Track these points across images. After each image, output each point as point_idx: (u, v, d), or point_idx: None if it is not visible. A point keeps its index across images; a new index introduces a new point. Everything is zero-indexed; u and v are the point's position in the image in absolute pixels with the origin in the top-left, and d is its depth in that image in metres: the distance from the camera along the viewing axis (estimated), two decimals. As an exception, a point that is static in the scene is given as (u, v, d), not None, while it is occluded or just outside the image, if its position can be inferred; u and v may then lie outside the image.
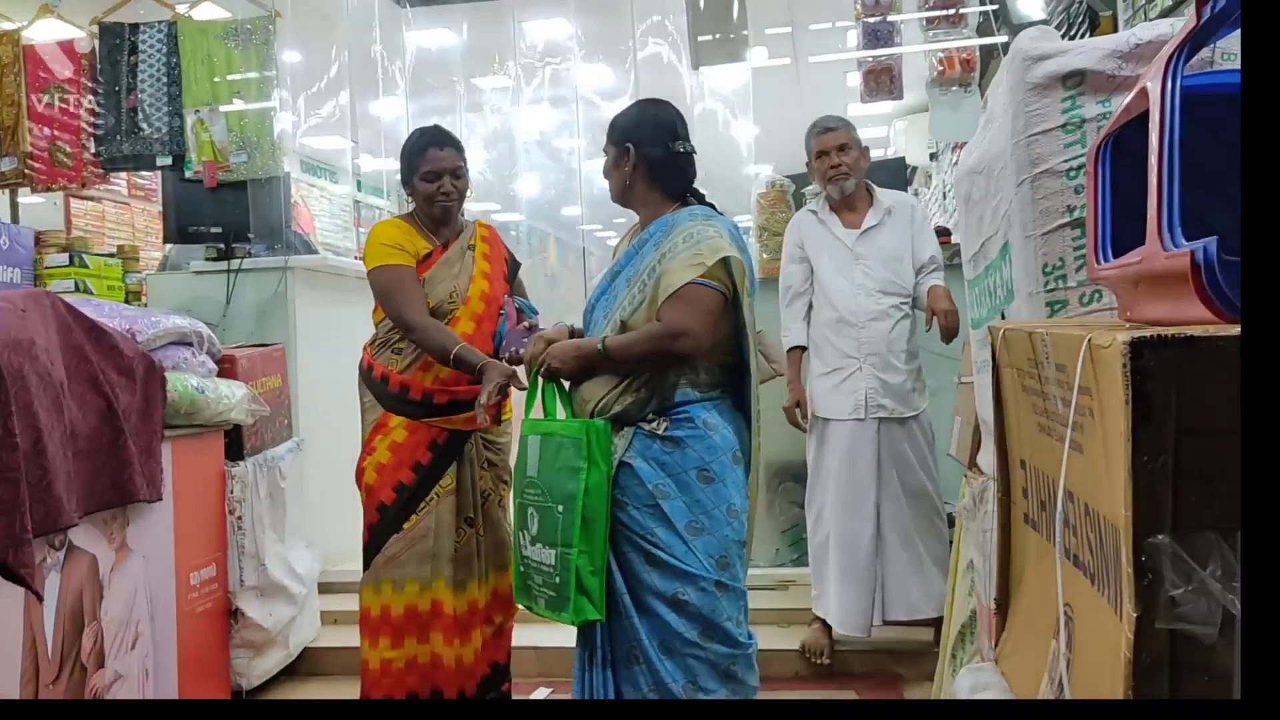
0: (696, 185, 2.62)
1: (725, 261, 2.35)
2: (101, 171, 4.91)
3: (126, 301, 4.34)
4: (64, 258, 4.23)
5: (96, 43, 4.75)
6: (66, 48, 4.81)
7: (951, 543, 3.46)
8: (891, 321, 3.56)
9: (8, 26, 4.90)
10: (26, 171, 4.84)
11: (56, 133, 4.84)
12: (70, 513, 2.39)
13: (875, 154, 4.61)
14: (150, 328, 3.05)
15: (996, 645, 1.48)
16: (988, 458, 1.81)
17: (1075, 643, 1.07)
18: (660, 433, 2.37)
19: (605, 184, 2.67)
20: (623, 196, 2.66)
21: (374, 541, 2.98)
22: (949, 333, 3.42)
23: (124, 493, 2.70)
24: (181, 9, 4.73)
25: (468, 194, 3.06)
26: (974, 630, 2.05)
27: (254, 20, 4.66)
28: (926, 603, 3.55)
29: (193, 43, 4.66)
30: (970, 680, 1.38)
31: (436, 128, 3.06)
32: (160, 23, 4.69)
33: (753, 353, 2.45)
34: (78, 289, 4.07)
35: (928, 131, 4.79)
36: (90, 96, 4.78)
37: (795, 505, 4.34)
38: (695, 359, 2.38)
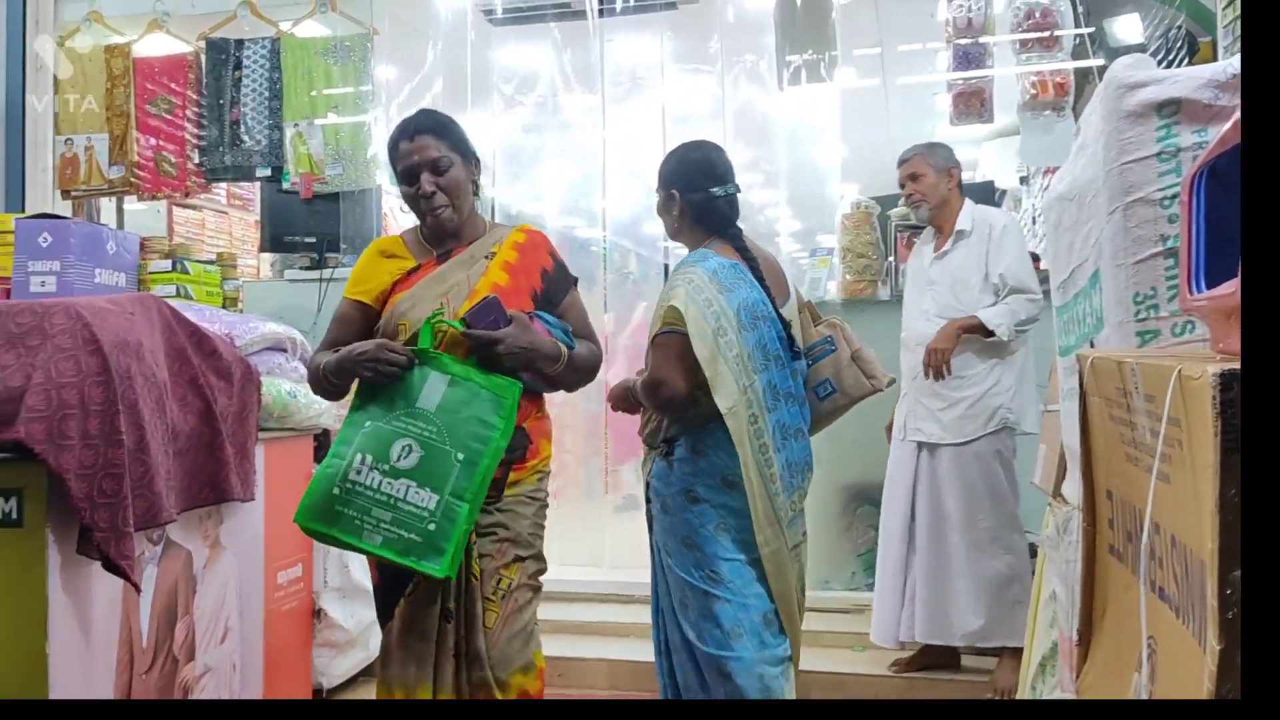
0: (776, 205, 2.72)
1: (673, 309, 2.54)
2: (204, 181, 5.09)
3: (224, 307, 4.49)
4: (166, 264, 4.38)
5: (203, 57, 4.93)
6: (174, 61, 5.00)
7: (1010, 574, 3.48)
8: (959, 341, 3.55)
9: (119, 40, 5.11)
10: (133, 180, 5.03)
11: (162, 143, 5.03)
12: (169, 509, 2.49)
13: (965, 177, 4.58)
14: (248, 333, 3.16)
15: (1078, 677, 1.47)
16: (1073, 487, 1.79)
17: (1158, 675, 1.06)
18: (661, 456, 2.68)
19: None
20: (675, 236, 2.87)
21: (378, 611, 2.49)
22: (931, 370, 3.52)
23: (220, 492, 2.80)
24: (285, 26, 4.88)
25: (471, 188, 2.48)
26: (1055, 662, 2.02)
27: (352, 37, 4.80)
28: (951, 632, 3.59)
29: (294, 58, 4.81)
30: (1049, 710, 1.37)
31: (417, 114, 2.49)
32: (264, 39, 4.86)
33: (725, 384, 2.53)
34: (179, 294, 4.22)
35: (1018, 155, 4.72)
36: (195, 109, 4.96)
37: (871, 529, 4.30)
38: (684, 403, 2.56)
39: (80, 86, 5.05)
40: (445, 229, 2.44)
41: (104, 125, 5.03)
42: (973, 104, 4.22)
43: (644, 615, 4.11)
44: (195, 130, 4.96)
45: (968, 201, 3.72)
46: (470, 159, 2.46)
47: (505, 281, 2.41)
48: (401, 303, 2.39)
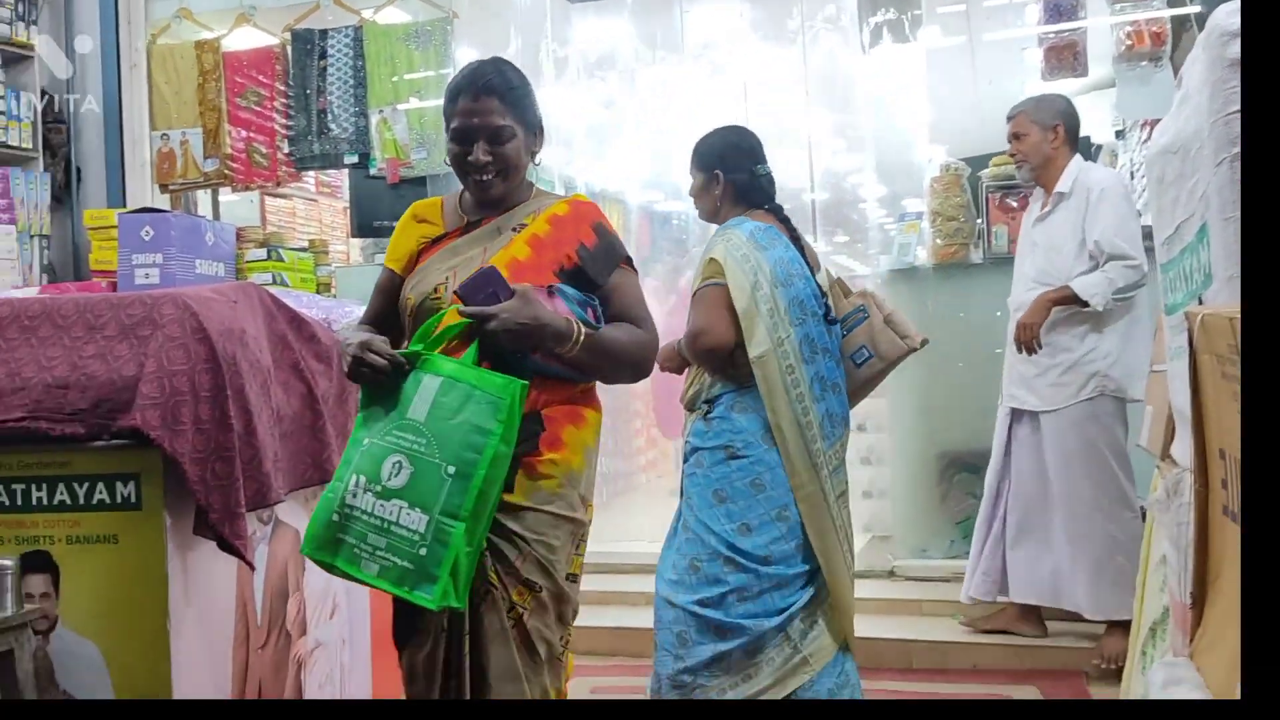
0: (861, 171, 2.74)
1: (713, 261, 2.72)
2: (294, 170, 5.21)
3: (318, 293, 4.60)
4: (262, 252, 4.50)
5: (289, 49, 5.04)
6: (262, 54, 5.12)
7: (1112, 546, 3.41)
8: (1050, 313, 3.48)
9: (208, 36, 5.24)
10: (226, 172, 5.18)
11: (253, 135, 5.16)
12: (277, 489, 2.57)
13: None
14: (344, 317, 3.24)
15: (1191, 641, 1.43)
16: (1182, 448, 1.74)
17: None
18: (703, 416, 2.77)
19: (773, 173, 2.89)
20: (713, 217, 2.97)
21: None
22: (1022, 346, 3.50)
23: (323, 471, 2.88)
24: (367, 14, 4.96)
25: (528, 162, 2.20)
26: (1165, 627, 1.98)
27: (433, 22, 4.86)
28: (1035, 592, 3.58)
29: (377, 45, 4.89)
30: (1164, 675, 1.35)
31: (483, 64, 2.15)
32: (347, 28, 4.94)
33: (758, 334, 2.66)
34: (275, 281, 4.33)
35: (1114, 109, 4.57)
36: (283, 100, 5.07)
37: (970, 496, 4.25)
38: (727, 354, 2.70)
39: (173, 83, 5.21)
40: (488, 199, 2.16)
41: (197, 120, 5.17)
42: (1065, 58, 4.10)
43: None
44: (284, 121, 5.08)
45: (1075, 160, 3.57)
46: (534, 129, 2.18)
47: (526, 256, 2.10)
48: (413, 276, 2.18)
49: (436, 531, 1.85)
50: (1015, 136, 3.60)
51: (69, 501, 2.50)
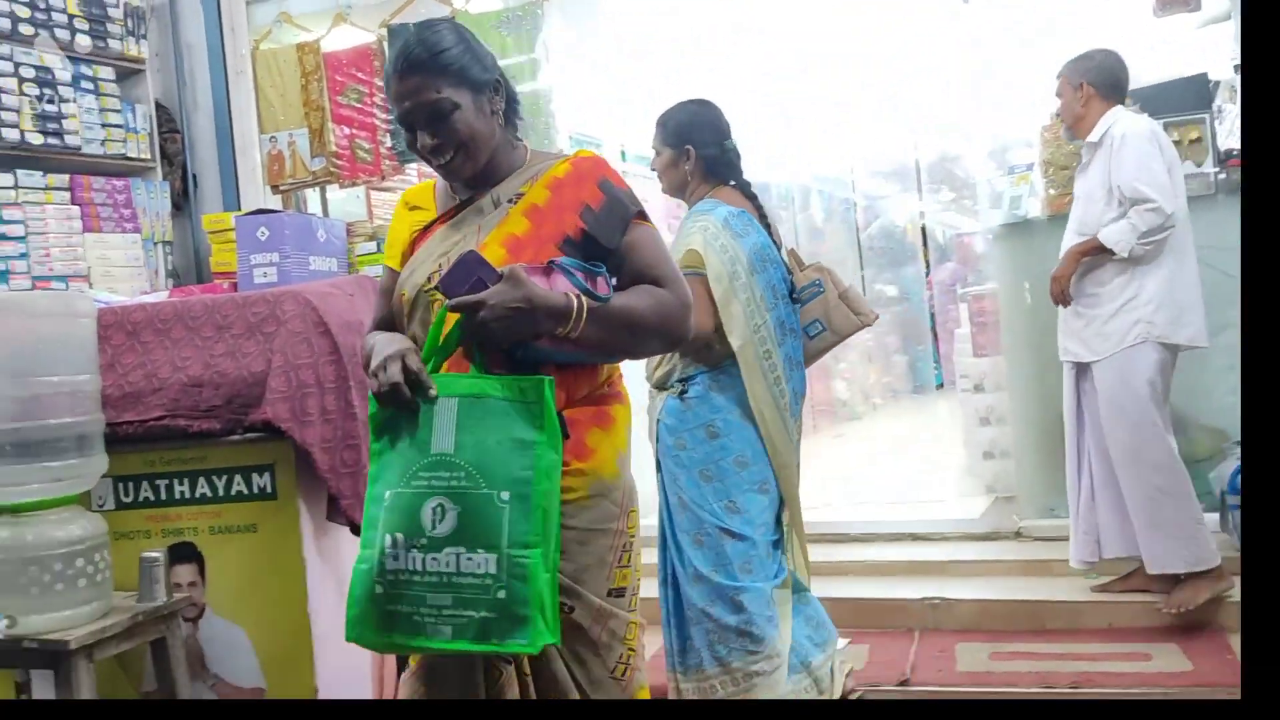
0: (967, 124, 2.68)
1: (693, 252, 2.77)
2: (397, 164, 5.31)
3: (427, 282, 4.71)
4: (371, 245, 4.63)
5: (385, 44, 5.12)
6: (360, 52, 5.21)
7: (1159, 494, 3.35)
8: (1086, 264, 3.50)
9: (308, 38, 5.36)
10: (333, 169, 5.30)
11: (355, 131, 5.27)
12: (403, 475, 2.63)
13: (1173, 72, 4.25)
14: (455, 304, 3.30)
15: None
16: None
17: None
18: (678, 395, 2.81)
19: (872, 133, 2.89)
20: (680, 192, 3.00)
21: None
22: (1053, 298, 3.57)
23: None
24: (459, 4, 5.01)
25: (493, 124, 1.88)
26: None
27: (523, 6, 4.88)
28: (1124, 545, 3.53)
29: (470, 34, 4.93)
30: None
31: (407, 37, 1.87)
32: (442, 20, 5.00)
33: (738, 324, 2.74)
34: (386, 273, 4.45)
35: (1234, 42, 4.35)
36: (382, 95, 5.16)
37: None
38: (701, 338, 2.73)
39: (278, 86, 5.34)
40: (463, 180, 1.90)
41: (303, 120, 5.30)
42: (1177, -8, 3.93)
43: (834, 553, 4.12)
44: (384, 116, 5.17)
45: (1110, 111, 3.54)
46: (485, 88, 1.86)
47: (524, 230, 1.83)
48: (405, 269, 1.91)
49: (511, 567, 1.62)
50: (1057, 97, 3.66)
51: (209, 494, 2.62)
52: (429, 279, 1.83)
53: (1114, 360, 3.46)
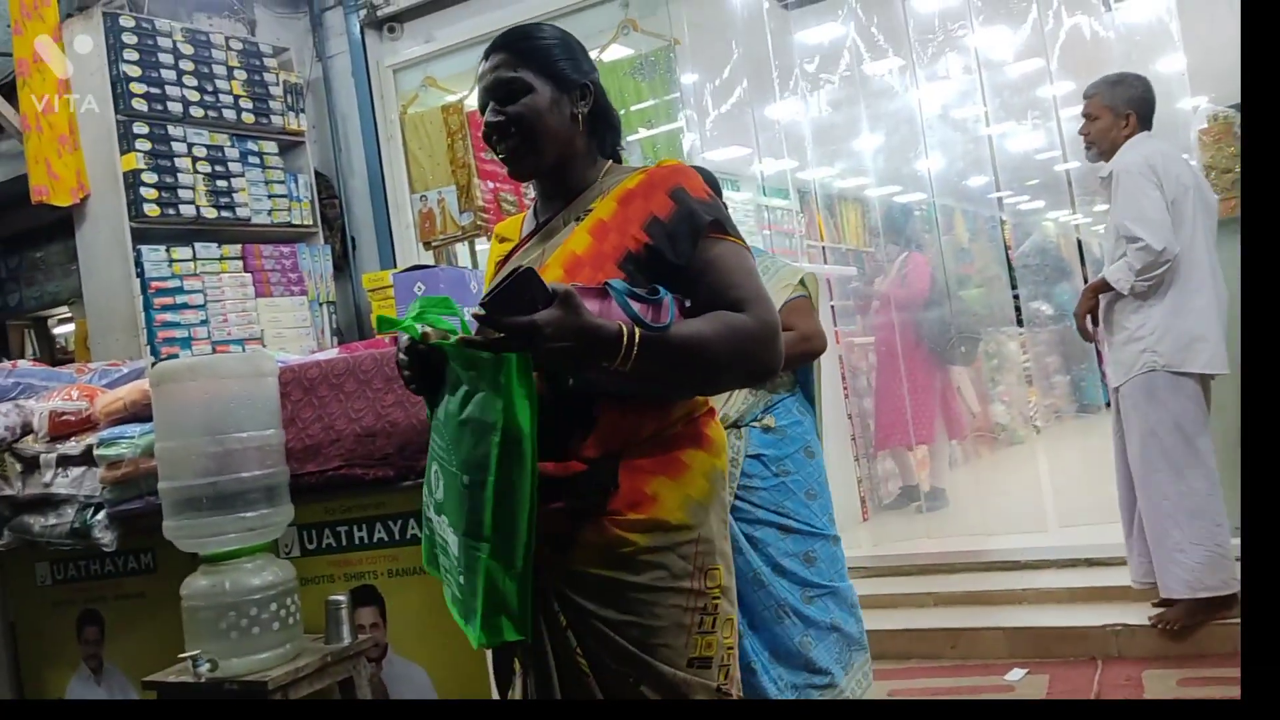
0: None
1: (801, 283, 2.96)
2: (543, 214, 5.46)
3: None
4: (521, 294, 4.77)
5: (526, 98, 5.29)
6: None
7: (1168, 521, 3.35)
8: (1110, 295, 3.57)
9: (452, 99, 5.58)
10: (481, 223, 5.48)
11: (500, 185, 5.44)
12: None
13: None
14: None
15: None
16: None
17: None
18: (772, 425, 2.89)
19: (1020, 148, 2.95)
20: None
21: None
22: (1079, 332, 3.70)
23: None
24: (593, 54, 5.13)
25: (571, 124, 1.72)
26: None
27: (656, 52, 4.98)
28: (1147, 573, 3.58)
29: (605, 83, 5.01)
30: None
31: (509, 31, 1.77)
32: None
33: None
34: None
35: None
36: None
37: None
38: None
39: (426, 147, 5.57)
40: (521, 172, 1.74)
41: (450, 178, 5.51)
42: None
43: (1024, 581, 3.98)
44: (525, 167, 5.33)
45: (1128, 142, 3.55)
46: (569, 88, 1.72)
47: (585, 248, 1.63)
48: None
49: (465, 556, 1.50)
50: (1089, 117, 3.61)
51: (386, 538, 2.73)
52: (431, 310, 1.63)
53: (1127, 388, 3.56)
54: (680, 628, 1.57)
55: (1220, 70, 4.46)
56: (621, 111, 5.02)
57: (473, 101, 5.48)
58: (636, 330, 1.47)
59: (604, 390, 1.56)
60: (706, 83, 5.52)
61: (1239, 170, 3.96)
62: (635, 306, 1.49)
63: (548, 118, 1.68)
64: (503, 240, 1.90)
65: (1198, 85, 4.45)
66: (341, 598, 2.63)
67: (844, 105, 5.72)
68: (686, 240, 1.60)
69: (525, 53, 1.70)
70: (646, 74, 5.01)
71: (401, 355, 1.61)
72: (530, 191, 5.34)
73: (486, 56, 1.73)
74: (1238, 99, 4.16)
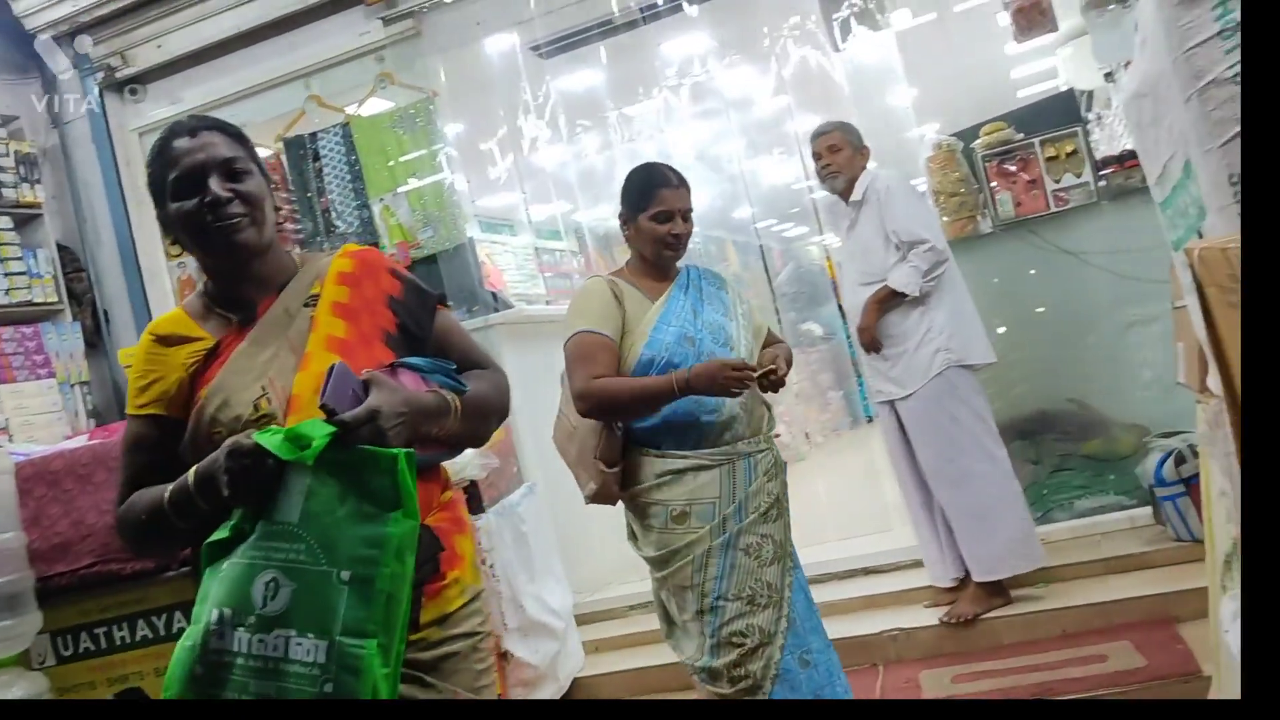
0: None
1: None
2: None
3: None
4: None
5: (283, 157, 5.15)
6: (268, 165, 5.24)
7: (985, 505, 3.59)
8: (880, 311, 3.74)
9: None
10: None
11: (265, 246, 5.28)
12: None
13: (1043, 88, 4.45)
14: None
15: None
16: (1216, 380, 1.74)
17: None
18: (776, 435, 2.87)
19: (772, 181, 3.00)
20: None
21: None
22: (866, 348, 3.79)
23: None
24: (350, 109, 5.07)
25: (272, 213, 1.76)
26: (1237, 559, 1.97)
27: (415, 104, 4.95)
28: (952, 568, 3.81)
29: (366, 137, 4.99)
30: (1233, 607, 1.35)
31: (190, 117, 1.77)
32: (335, 126, 5.05)
33: None
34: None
35: (1093, 56, 4.58)
36: (288, 207, 5.17)
37: (1029, 463, 4.25)
38: None
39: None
40: (245, 255, 1.70)
41: (209, 242, 5.30)
42: (1034, 16, 4.12)
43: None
44: (292, 226, 5.18)
45: (864, 173, 3.84)
46: (269, 180, 1.78)
47: (344, 332, 1.70)
48: (208, 402, 1.67)
49: (341, 658, 1.45)
50: (831, 149, 3.83)
51: (151, 635, 2.58)
52: (255, 406, 1.63)
53: (926, 390, 3.70)
54: (490, 671, 1.77)
55: (942, 101, 4.85)
56: (388, 165, 5.00)
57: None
58: (451, 395, 1.68)
59: (424, 463, 1.66)
60: (471, 132, 5.54)
61: (964, 193, 4.30)
62: (445, 377, 1.70)
63: (267, 203, 1.73)
64: (174, 343, 1.74)
65: (923, 115, 4.80)
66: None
67: (605, 149, 5.86)
68: (426, 315, 1.82)
69: (238, 137, 1.75)
70: (407, 126, 4.98)
71: (237, 464, 1.49)
72: (297, 251, 5.18)
73: (190, 133, 1.69)
74: (959, 127, 4.53)
